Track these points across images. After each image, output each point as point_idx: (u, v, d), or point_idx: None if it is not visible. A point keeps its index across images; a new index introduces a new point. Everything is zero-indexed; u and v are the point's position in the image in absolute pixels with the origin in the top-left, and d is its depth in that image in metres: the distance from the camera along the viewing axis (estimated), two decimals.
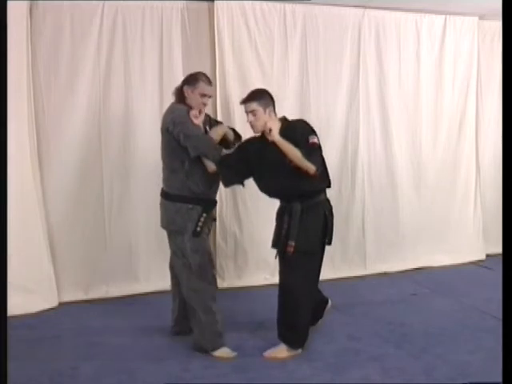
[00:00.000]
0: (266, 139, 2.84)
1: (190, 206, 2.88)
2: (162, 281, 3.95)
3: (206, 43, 4.10)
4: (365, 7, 4.41)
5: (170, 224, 2.96)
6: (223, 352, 2.90)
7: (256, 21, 4.15)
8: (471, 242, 4.96)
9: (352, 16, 4.42)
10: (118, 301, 3.86)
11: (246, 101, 2.89)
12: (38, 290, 3.65)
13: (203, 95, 2.95)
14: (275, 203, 4.28)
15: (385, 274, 4.55)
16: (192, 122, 2.86)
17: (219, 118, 4.10)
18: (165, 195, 2.97)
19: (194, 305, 2.91)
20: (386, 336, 3.16)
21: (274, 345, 2.97)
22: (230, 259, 4.25)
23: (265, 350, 2.94)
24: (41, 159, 3.73)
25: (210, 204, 3.00)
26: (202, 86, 2.94)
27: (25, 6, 3.55)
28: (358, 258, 4.58)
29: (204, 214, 2.90)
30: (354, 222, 4.57)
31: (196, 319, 2.92)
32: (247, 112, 2.89)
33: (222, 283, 4.21)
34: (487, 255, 4.96)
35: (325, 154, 4.37)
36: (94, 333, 3.25)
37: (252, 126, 2.91)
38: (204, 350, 2.90)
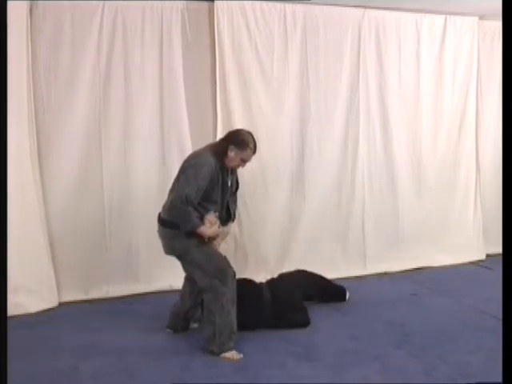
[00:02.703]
0: None
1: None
2: (162, 281, 3.97)
3: (206, 43, 4.10)
4: (365, 7, 4.41)
5: (174, 250, 2.98)
6: (230, 354, 2.88)
7: (256, 21, 4.15)
8: (471, 242, 4.96)
9: (352, 16, 4.42)
10: (117, 301, 3.86)
11: None
12: (38, 290, 3.65)
13: (244, 161, 2.96)
14: (275, 203, 4.32)
15: (385, 273, 4.55)
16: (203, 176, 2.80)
17: (219, 118, 4.12)
18: (162, 222, 2.96)
19: (212, 307, 2.89)
20: (386, 336, 3.16)
21: (274, 344, 2.98)
22: (230, 259, 4.23)
23: (265, 350, 2.95)
24: (41, 159, 3.73)
25: None
26: (249, 154, 2.93)
27: (25, 5, 3.55)
28: (358, 257, 4.58)
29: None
30: (354, 221, 4.57)
31: (211, 321, 2.89)
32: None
33: None
34: (487, 255, 4.96)
35: (325, 153, 4.46)
36: (94, 333, 3.24)
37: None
38: (214, 352, 2.89)
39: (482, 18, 4.81)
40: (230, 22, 4.07)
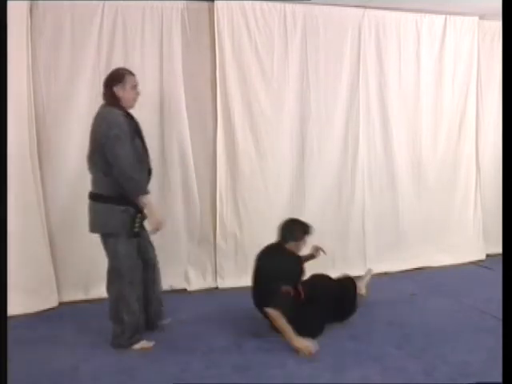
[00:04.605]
0: None
1: (123, 207, 2.84)
2: (162, 281, 3.96)
3: (206, 43, 4.10)
4: (365, 7, 4.41)
5: (102, 227, 2.91)
6: (142, 344, 3.00)
7: (256, 21, 4.15)
8: (471, 242, 4.96)
9: (352, 16, 4.42)
10: None
11: None
12: (38, 290, 3.65)
13: (134, 87, 2.96)
14: (275, 203, 4.32)
15: (385, 274, 4.55)
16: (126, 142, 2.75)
17: (219, 118, 4.12)
18: (95, 197, 2.90)
19: (120, 306, 2.97)
20: (386, 336, 3.16)
21: (274, 344, 2.98)
22: (230, 259, 4.25)
23: (265, 350, 2.95)
24: (41, 159, 3.73)
25: (138, 207, 2.91)
26: (131, 79, 2.96)
27: (25, 5, 3.55)
28: (358, 257, 4.58)
29: (139, 215, 2.91)
30: (354, 222, 4.57)
31: (119, 319, 2.99)
32: None
33: (222, 283, 4.22)
34: (487, 255, 4.97)
35: (325, 153, 4.46)
36: (93, 333, 3.24)
37: None
38: (123, 346, 2.98)
39: (482, 17, 4.82)
40: (229, 22, 4.07)
